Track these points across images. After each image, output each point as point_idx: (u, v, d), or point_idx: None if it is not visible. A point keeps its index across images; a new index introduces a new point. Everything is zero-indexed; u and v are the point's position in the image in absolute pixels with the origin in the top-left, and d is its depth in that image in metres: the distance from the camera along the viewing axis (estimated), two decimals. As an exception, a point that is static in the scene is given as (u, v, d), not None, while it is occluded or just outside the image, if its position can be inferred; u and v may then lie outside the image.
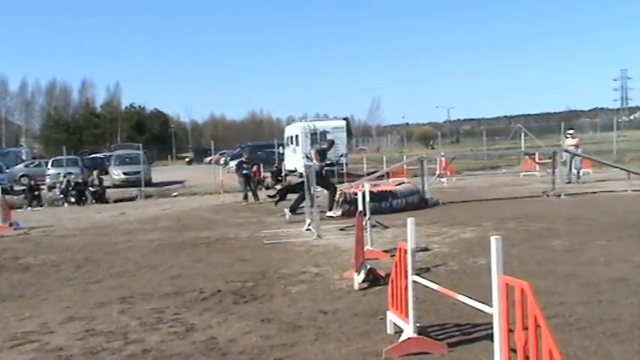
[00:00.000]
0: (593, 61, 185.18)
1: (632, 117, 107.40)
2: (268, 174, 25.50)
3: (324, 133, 29.26)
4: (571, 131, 22.46)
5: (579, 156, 20.36)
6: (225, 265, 8.70)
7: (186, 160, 64.74)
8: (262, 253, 9.63)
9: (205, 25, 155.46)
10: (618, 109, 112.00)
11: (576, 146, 20.90)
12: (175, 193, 25.60)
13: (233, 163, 28.65)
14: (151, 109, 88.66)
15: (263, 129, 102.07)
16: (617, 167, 19.65)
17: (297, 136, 30.05)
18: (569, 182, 19.13)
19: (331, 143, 16.30)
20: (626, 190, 16.31)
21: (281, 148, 33.57)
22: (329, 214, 13.49)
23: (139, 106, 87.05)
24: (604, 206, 13.54)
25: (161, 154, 71.84)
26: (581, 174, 20.72)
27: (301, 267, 8.27)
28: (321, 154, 14.25)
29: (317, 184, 11.95)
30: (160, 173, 35.86)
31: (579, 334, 4.88)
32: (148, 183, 29.03)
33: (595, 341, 4.69)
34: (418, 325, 4.71)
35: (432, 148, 48.56)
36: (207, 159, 51.43)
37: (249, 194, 19.31)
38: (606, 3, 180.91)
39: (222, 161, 42.99)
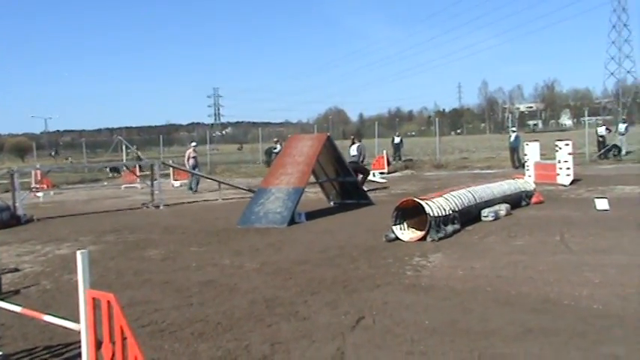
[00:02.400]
0: (191, 78, 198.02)
1: (224, 132, 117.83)
2: None
3: None
4: (193, 144, 23.50)
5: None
6: None
7: None
8: None
9: None
10: (212, 125, 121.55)
11: (195, 158, 22.17)
12: None
13: None
14: None
15: None
16: (210, 178, 21.24)
17: None
18: (195, 192, 20.70)
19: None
20: (217, 199, 17.77)
21: None
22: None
23: None
24: (198, 215, 14.50)
25: None
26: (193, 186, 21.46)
27: None
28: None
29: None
30: None
31: (171, 338, 5.12)
32: None
33: (184, 343, 4.99)
34: (1, 354, 4.32)
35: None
36: None
37: None
38: (190, 23, 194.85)
39: None
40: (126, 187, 24.49)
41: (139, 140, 71.88)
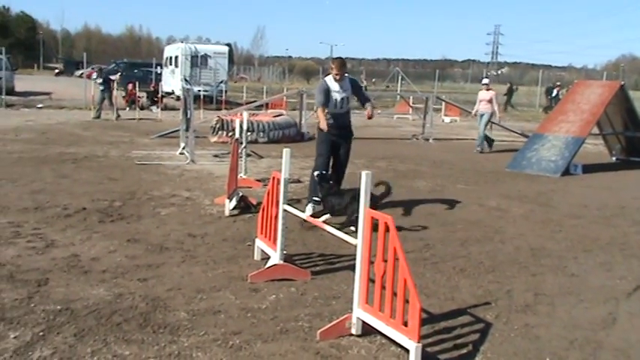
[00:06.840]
0: (470, 13, 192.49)
1: (500, 71, 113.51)
2: (144, 94, 24.32)
3: (205, 57, 28.39)
4: (486, 81, 15.56)
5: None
6: (93, 183, 8.38)
7: (55, 71, 60.06)
8: (132, 173, 9.36)
9: None
10: (488, 63, 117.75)
11: (489, 101, 14.67)
12: (40, 105, 23.83)
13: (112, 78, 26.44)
14: (16, 11, 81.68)
15: (141, 47, 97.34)
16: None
17: (176, 57, 28.77)
18: (481, 152, 14.64)
19: None
20: (488, 140, 17.35)
21: (159, 68, 32.02)
22: None
23: (3, 7, 79.78)
24: (466, 153, 14.38)
25: (27, 62, 66.47)
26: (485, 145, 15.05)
27: (172, 190, 8.15)
28: None
29: None
30: (24, 82, 33.18)
31: (432, 268, 5.25)
32: (10, 91, 26.70)
33: (445, 275, 5.07)
34: (285, 252, 4.84)
35: (387, 87, 42.58)
36: (79, 72, 48.52)
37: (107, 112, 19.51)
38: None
39: (94, 76, 40.39)
40: (398, 118, 25.19)
41: (413, 73, 72.83)
